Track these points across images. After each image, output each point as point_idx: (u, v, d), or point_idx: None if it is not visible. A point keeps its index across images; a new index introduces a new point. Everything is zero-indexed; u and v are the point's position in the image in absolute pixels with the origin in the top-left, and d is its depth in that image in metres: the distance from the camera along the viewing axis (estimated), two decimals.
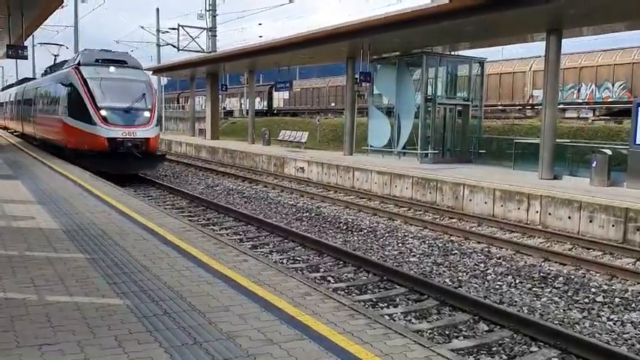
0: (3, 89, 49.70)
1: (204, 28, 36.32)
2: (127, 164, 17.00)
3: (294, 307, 4.69)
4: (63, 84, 18.74)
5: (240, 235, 11.19)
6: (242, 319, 4.41)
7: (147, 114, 17.68)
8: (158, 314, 4.46)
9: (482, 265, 9.41)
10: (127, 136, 16.87)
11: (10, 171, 14.34)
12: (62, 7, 23.31)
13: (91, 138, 16.82)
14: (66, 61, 22.93)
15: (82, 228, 7.65)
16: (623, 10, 13.83)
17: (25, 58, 18.66)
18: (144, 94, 17.89)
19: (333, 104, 42.14)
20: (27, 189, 11.21)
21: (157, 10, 42.86)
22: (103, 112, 16.88)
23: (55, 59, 26.42)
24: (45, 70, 27.05)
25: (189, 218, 12.39)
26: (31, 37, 32.53)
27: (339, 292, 7.43)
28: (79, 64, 18.32)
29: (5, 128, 39.92)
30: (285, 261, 9.24)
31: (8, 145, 25.08)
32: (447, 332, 6.34)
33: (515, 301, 7.56)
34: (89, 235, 7.22)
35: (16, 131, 33.27)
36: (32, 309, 4.51)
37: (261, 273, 5.71)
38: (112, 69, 18.14)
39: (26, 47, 18.92)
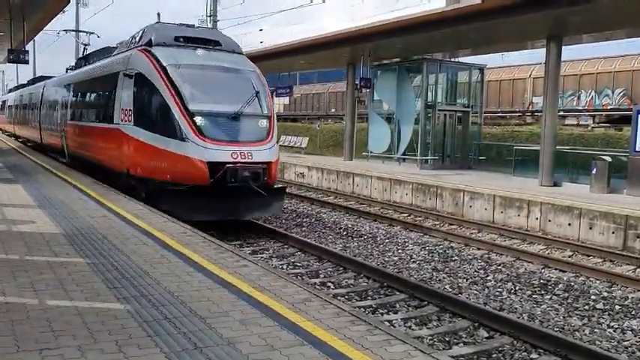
0: (10, 90, 43.84)
1: None
2: (238, 206, 10.57)
3: (295, 313, 4.69)
4: (124, 75, 12.09)
5: (240, 240, 11.18)
6: (242, 324, 4.41)
7: (264, 123, 11.19)
8: (158, 319, 4.45)
9: (482, 271, 9.41)
10: (240, 160, 10.34)
11: (10, 175, 14.33)
12: (64, 12, 23.39)
13: (177, 162, 10.39)
14: (111, 47, 16.38)
15: (82, 232, 7.65)
16: (623, 18, 13.89)
17: (27, 62, 18.66)
18: (257, 92, 11.36)
19: (333, 110, 42.19)
20: (27, 193, 11.20)
21: (158, 14, 42.95)
22: (199, 121, 10.46)
23: (84, 50, 21.45)
24: (76, 63, 20.71)
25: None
26: (32, 42, 32.46)
27: (339, 298, 7.42)
28: (149, 44, 11.87)
29: (15, 136, 33.04)
30: (285, 266, 9.24)
31: (9, 149, 25.08)
32: (447, 339, 6.34)
33: (516, 308, 7.56)
34: (89, 240, 7.22)
35: (30, 141, 26.83)
36: (32, 313, 4.50)
37: (262, 278, 5.71)
38: (200, 52, 11.79)
39: (27, 51, 18.93)
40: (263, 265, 6.33)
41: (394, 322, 6.78)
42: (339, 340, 4.16)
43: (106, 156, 13.29)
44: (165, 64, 11.06)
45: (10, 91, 43.29)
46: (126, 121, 11.80)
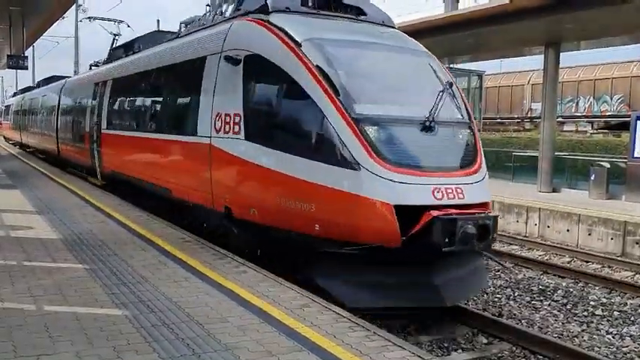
0: (16, 93, 39.72)
1: None
2: (441, 283, 6.15)
3: (293, 319, 4.68)
4: (225, 59, 7.58)
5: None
6: (241, 330, 4.40)
7: (466, 136, 6.92)
8: (157, 325, 4.44)
9: None
10: (448, 202, 5.88)
11: (9, 181, 14.31)
12: (63, 18, 23.43)
13: (338, 204, 5.97)
14: (163, 32, 13.18)
15: (80, 238, 7.64)
16: (621, 25, 13.92)
17: (26, 68, 18.71)
18: (449, 85, 7.03)
19: None
20: (26, 198, 11.19)
21: (158, 21, 43.11)
22: (374, 133, 6.14)
23: (113, 41, 17.61)
24: (111, 54, 15.98)
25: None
26: (31, 47, 32.38)
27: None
28: (263, 10, 7.57)
29: (22, 145, 29.25)
30: None
31: (8, 155, 25.06)
32: (445, 345, 6.32)
33: (515, 314, 7.55)
34: (88, 245, 7.21)
35: (42, 152, 22.96)
36: (30, 319, 4.50)
37: (260, 284, 5.70)
38: (343, 23, 7.75)
39: (27, 57, 18.97)
40: (261, 271, 6.32)
41: (393, 327, 6.75)
42: (338, 345, 4.15)
43: (182, 184, 8.91)
44: (300, 40, 6.75)
45: (16, 94, 39.31)
46: (227, 132, 7.45)
